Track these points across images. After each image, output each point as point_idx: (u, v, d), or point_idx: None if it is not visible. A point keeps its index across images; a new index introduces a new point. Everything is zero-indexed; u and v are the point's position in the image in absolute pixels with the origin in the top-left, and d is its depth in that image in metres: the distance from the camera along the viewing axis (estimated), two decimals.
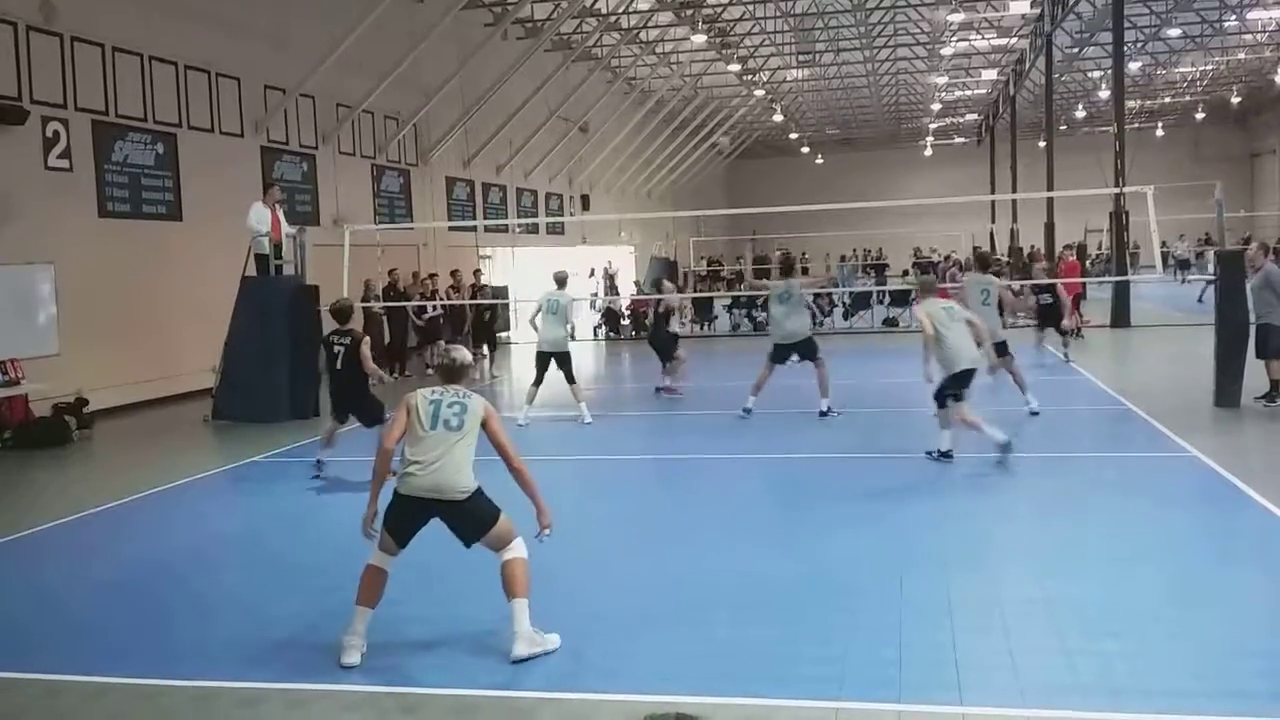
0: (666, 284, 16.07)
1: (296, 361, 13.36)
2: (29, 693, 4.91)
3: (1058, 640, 5.01)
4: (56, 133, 13.95)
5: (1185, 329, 19.67)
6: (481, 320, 17.35)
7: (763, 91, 41.00)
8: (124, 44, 15.10)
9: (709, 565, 6.38)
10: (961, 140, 56.18)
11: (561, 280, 12.72)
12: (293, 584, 6.59)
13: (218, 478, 10.12)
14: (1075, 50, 37.50)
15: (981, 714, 4.31)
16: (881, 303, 26.51)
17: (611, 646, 5.22)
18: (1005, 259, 36.47)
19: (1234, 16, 34.24)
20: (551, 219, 33.27)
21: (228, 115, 17.43)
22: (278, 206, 14.29)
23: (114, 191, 14.98)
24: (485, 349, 20.17)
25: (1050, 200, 29.27)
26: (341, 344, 9.23)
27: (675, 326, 15.28)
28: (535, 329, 12.51)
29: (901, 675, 4.66)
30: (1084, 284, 22.34)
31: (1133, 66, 36.83)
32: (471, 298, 20.22)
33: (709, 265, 39.97)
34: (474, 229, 26.81)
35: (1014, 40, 36.25)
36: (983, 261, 12.91)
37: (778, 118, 43.89)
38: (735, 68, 36.85)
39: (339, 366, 9.24)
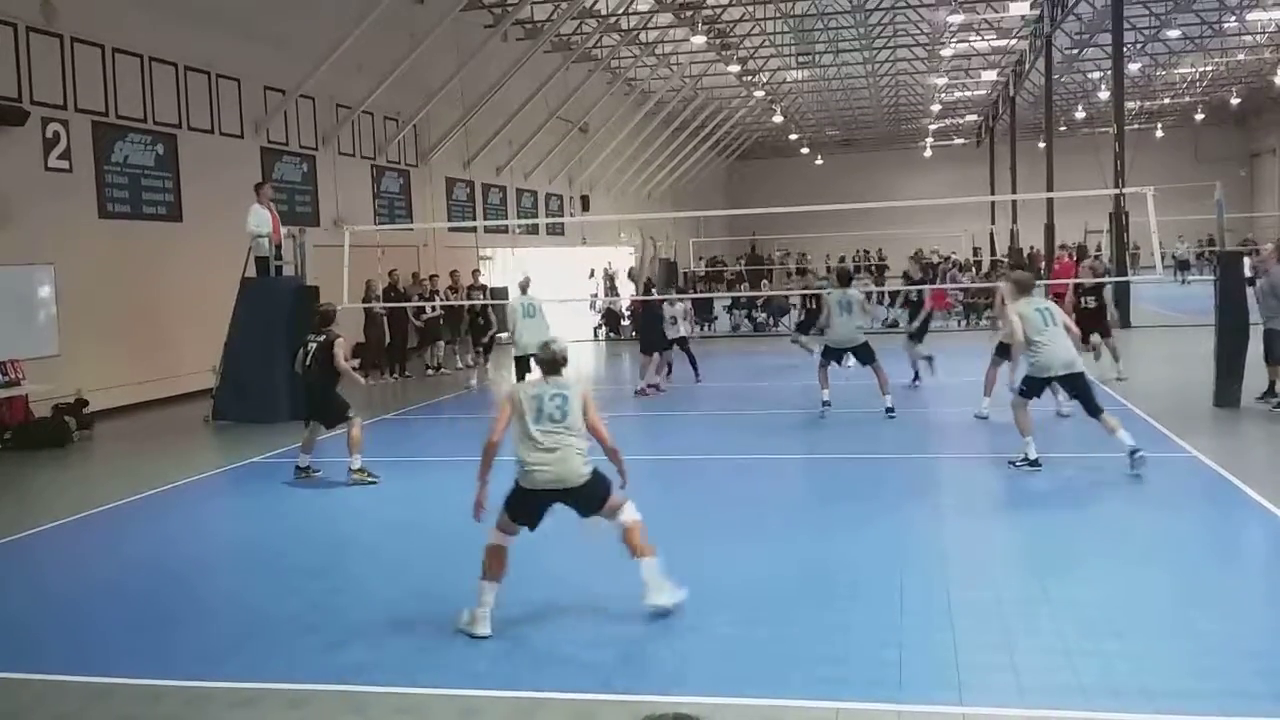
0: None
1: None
2: (30, 693, 4.91)
3: (1058, 640, 5.01)
4: (57, 133, 13.96)
5: (1185, 329, 19.68)
6: (477, 323, 17.37)
7: (762, 92, 41.01)
8: (124, 45, 15.10)
9: (709, 565, 6.38)
10: (961, 141, 56.18)
11: (526, 285, 13.43)
12: (292, 584, 6.58)
13: (217, 478, 10.12)
14: (1075, 51, 37.51)
15: (981, 714, 4.31)
16: (883, 303, 26.50)
17: (612, 646, 5.22)
18: (1005, 259, 36.48)
19: (1233, 18, 34.25)
20: (551, 220, 33.27)
21: (228, 116, 17.44)
22: (271, 205, 14.30)
23: (114, 192, 14.98)
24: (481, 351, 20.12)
25: (1050, 201, 29.27)
26: (315, 341, 9.16)
27: (683, 329, 15.42)
28: (511, 334, 13.03)
29: (901, 675, 4.66)
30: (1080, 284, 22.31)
31: (1132, 67, 36.84)
32: (467, 298, 20.18)
33: (708, 266, 39.97)
34: (474, 230, 26.81)
35: (1013, 41, 36.25)
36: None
37: (778, 119, 43.91)
38: (735, 69, 36.85)
39: (309, 364, 9.15)
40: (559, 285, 29.04)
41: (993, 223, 39.00)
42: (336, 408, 9.22)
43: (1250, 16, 33.63)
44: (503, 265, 28.61)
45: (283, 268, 14.06)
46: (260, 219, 13.79)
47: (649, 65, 35.33)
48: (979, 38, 35.47)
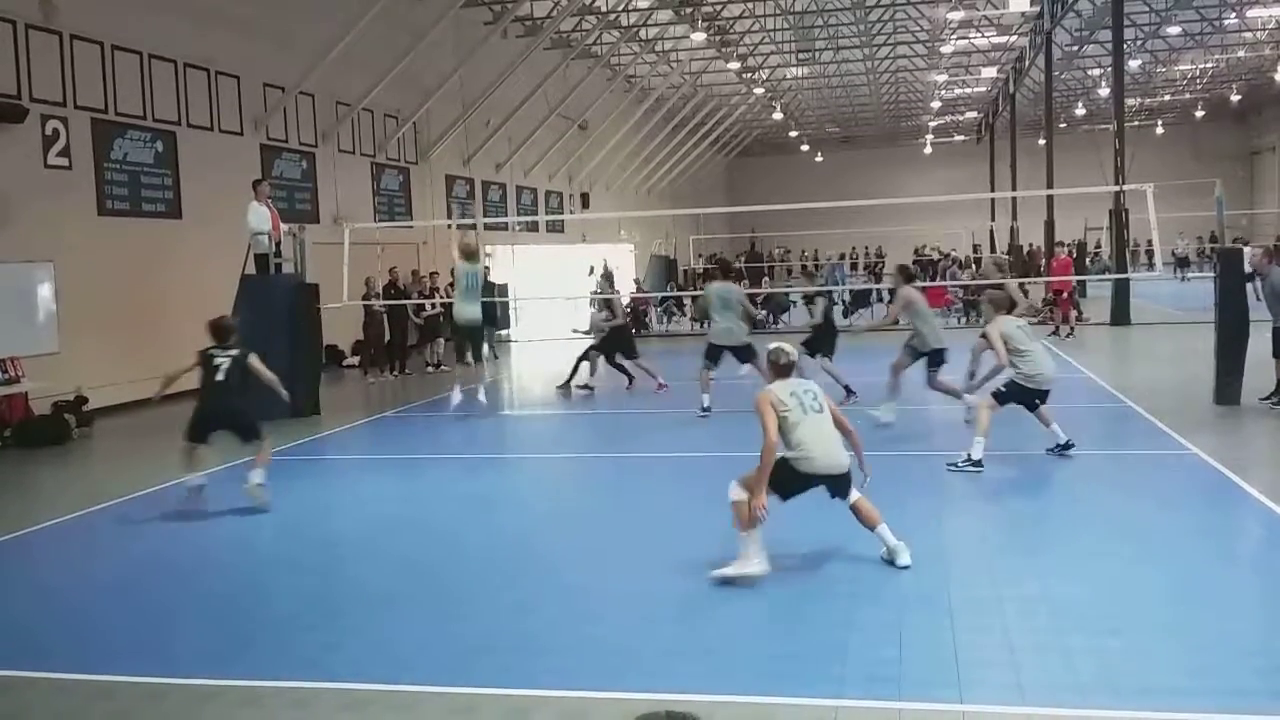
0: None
1: (296, 360, 13.34)
2: (32, 692, 4.91)
3: (1058, 638, 5.01)
4: (56, 131, 13.95)
5: (1185, 326, 19.69)
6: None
7: (762, 89, 40.98)
8: (123, 42, 15.09)
9: (708, 563, 6.38)
10: (961, 138, 56.16)
11: (468, 253, 13.08)
12: (294, 583, 6.59)
13: (218, 476, 10.09)
14: (1075, 48, 37.48)
15: (981, 712, 4.31)
16: (881, 301, 26.51)
17: (611, 645, 5.23)
18: (1005, 255, 36.42)
19: (1234, 14, 34.23)
20: (551, 217, 33.27)
21: (227, 113, 17.43)
22: (270, 202, 14.31)
23: (113, 189, 14.98)
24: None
25: (1050, 198, 29.27)
26: (227, 355, 8.52)
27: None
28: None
29: (901, 674, 4.66)
30: (1078, 280, 22.39)
31: (1132, 64, 36.82)
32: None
33: (706, 264, 39.92)
34: (474, 227, 26.79)
35: (1014, 38, 36.22)
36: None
37: (777, 116, 43.88)
38: (735, 66, 36.81)
39: (221, 378, 8.47)
40: (558, 283, 29.10)
41: (993, 220, 38.97)
42: (253, 422, 8.66)
43: (1251, 13, 33.61)
44: (503, 263, 28.60)
45: (282, 265, 14.05)
46: (260, 216, 13.77)
47: (649, 62, 35.31)
48: (979, 34, 35.46)
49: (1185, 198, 26.72)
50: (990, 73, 40.10)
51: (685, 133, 42.71)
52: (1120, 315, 22.03)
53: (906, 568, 6.07)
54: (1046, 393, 9.07)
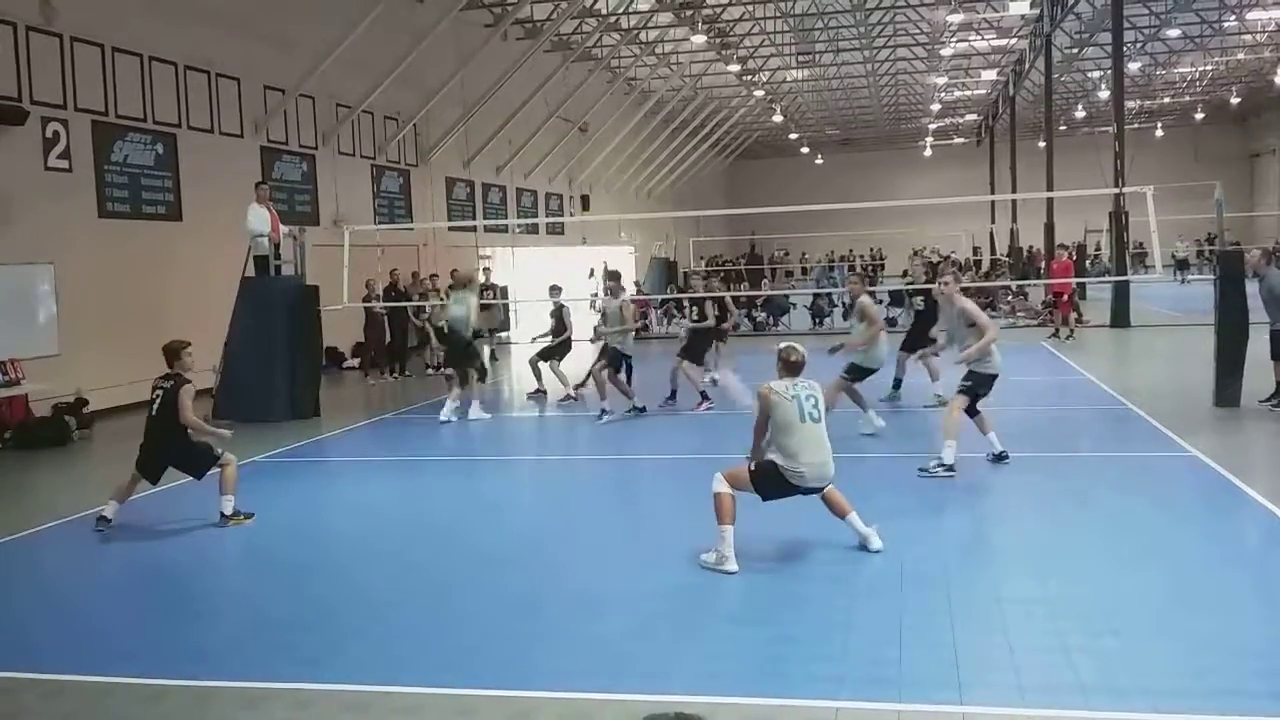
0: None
1: (296, 362, 13.38)
2: (32, 693, 4.91)
3: (1058, 639, 5.01)
4: (56, 133, 13.96)
5: (1185, 329, 19.69)
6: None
7: (762, 92, 41.03)
8: (124, 44, 15.10)
9: (708, 564, 6.38)
10: (961, 140, 56.20)
11: (461, 282, 13.97)
12: (294, 584, 6.59)
13: (218, 477, 10.10)
14: (1075, 50, 37.50)
15: (981, 713, 4.31)
16: (880, 303, 26.48)
17: (612, 646, 5.22)
18: (1004, 257, 36.46)
19: (1233, 17, 34.25)
20: (551, 219, 33.28)
21: (227, 115, 17.44)
22: (270, 204, 14.31)
23: (114, 192, 14.98)
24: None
25: (1050, 200, 29.30)
26: (162, 387, 7.93)
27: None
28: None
29: (901, 675, 4.66)
30: (1078, 283, 22.38)
31: (1132, 67, 36.85)
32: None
33: (708, 265, 39.93)
34: (474, 229, 26.81)
35: (1013, 41, 36.27)
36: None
37: (777, 118, 43.92)
38: (735, 68, 36.87)
39: (154, 413, 7.89)
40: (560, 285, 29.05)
41: (993, 222, 39.03)
42: (199, 454, 7.97)
43: (1250, 16, 33.67)
44: (503, 265, 28.62)
45: (282, 267, 14.06)
46: (259, 218, 13.79)
47: (649, 65, 35.33)
48: (979, 37, 35.50)
49: (1185, 200, 26.76)
50: (990, 75, 40.14)
51: (685, 135, 42.73)
52: (1120, 317, 22.03)
53: (879, 551, 6.29)
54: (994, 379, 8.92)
